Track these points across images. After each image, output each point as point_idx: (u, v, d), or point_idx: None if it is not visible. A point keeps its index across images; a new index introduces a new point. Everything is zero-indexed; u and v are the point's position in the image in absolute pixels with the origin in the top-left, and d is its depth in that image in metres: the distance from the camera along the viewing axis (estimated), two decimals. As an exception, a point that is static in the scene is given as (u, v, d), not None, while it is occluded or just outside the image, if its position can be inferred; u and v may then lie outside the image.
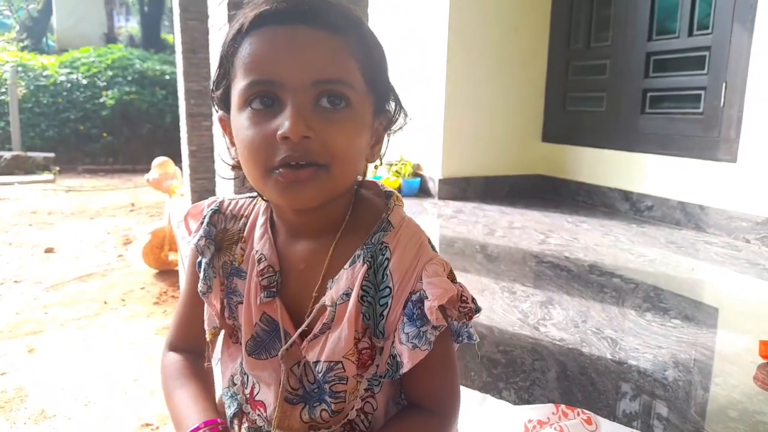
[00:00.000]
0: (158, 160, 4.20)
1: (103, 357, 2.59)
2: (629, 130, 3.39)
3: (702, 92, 2.95)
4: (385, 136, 0.74)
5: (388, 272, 0.68)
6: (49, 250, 4.35)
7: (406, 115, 0.74)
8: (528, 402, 1.21)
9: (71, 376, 2.39)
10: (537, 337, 1.58)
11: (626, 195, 3.37)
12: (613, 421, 1.10)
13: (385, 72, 0.71)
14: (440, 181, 3.79)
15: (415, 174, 4.02)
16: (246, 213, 0.79)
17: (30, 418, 2.07)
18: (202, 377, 0.81)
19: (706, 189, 2.90)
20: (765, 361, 1.41)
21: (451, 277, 0.71)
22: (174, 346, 0.85)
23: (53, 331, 2.85)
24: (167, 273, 3.78)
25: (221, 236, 0.78)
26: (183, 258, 2.74)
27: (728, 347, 1.56)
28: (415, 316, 0.67)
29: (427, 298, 0.66)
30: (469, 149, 3.86)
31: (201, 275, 0.77)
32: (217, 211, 0.80)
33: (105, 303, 3.27)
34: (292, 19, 0.63)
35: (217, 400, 0.83)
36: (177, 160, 4.21)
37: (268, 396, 0.74)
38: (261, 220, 0.77)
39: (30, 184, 7.46)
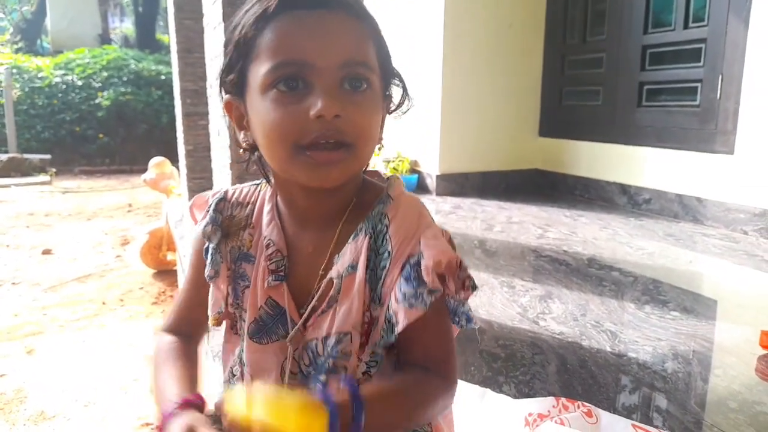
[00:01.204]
0: (155, 160, 4.19)
1: (103, 357, 2.58)
2: (626, 124, 3.39)
3: (698, 85, 2.95)
4: (385, 117, 0.77)
5: (387, 237, 0.70)
6: (46, 252, 4.34)
7: (410, 99, 0.78)
8: (528, 395, 1.21)
9: (70, 377, 2.38)
10: (536, 330, 1.58)
11: (624, 188, 3.37)
12: (614, 413, 1.10)
13: (390, 57, 0.74)
14: (438, 177, 3.78)
15: (413, 170, 4.02)
16: (252, 200, 0.81)
17: (29, 419, 2.07)
18: (190, 358, 0.81)
19: (703, 181, 2.90)
20: (765, 351, 1.41)
21: (451, 245, 0.72)
22: (170, 328, 0.85)
23: (52, 333, 2.85)
24: (165, 273, 3.77)
25: (228, 222, 0.80)
26: (182, 258, 2.74)
27: (727, 338, 1.56)
28: (412, 277, 0.67)
29: (420, 260, 0.67)
30: (466, 145, 3.86)
31: (208, 260, 0.78)
32: (223, 199, 0.81)
33: (103, 303, 3.27)
34: (318, 4, 0.65)
35: (216, 401, 0.83)
36: (174, 160, 4.20)
37: (266, 381, 0.75)
38: (267, 206, 0.78)
39: (26, 186, 7.45)
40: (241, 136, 0.74)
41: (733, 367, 1.37)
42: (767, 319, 1.72)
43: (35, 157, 8.49)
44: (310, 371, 0.73)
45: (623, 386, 1.29)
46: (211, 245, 0.78)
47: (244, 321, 0.77)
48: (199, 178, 3.36)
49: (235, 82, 0.71)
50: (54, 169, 8.38)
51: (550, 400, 1.06)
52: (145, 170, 4.33)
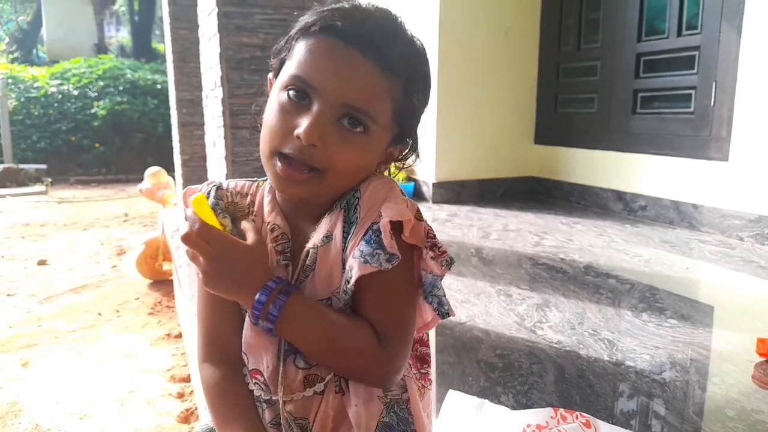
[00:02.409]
0: (151, 170, 4.18)
1: (98, 369, 2.56)
2: (621, 131, 3.41)
3: (692, 92, 2.96)
4: (393, 161, 0.82)
5: (357, 208, 0.74)
6: (42, 263, 4.32)
7: (418, 156, 0.83)
8: (526, 406, 1.21)
9: (66, 389, 2.37)
10: (534, 340, 1.57)
11: (619, 195, 3.38)
12: (612, 423, 1.10)
13: (417, 118, 0.79)
14: (434, 185, 3.79)
15: (409, 178, 4.02)
16: (251, 192, 0.84)
17: (25, 433, 2.05)
18: (249, 407, 0.79)
19: (698, 188, 2.91)
20: (763, 359, 1.41)
21: (418, 217, 0.74)
22: (207, 356, 0.83)
23: (47, 344, 2.83)
24: (162, 283, 3.76)
25: (232, 208, 0.82)
26: (178, 268, 2.73)
27: (725, 346, 1.56)
28: (372, 241, 0.70)
29: (380, 229, 0.70)
30: (462, 153, 3.86)
31: None
32: (220, 188, 0.84)
33: (99, 314, 3.25)
34: (355, 42, 0.69)
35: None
36: (170, 169, 4.20)
37: (263, 360, 0.76)
38: (268, 197, 0.82)
39: (22, 196, 7.42)
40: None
41: (731, 375, 1.37)
42: (764, 326, 1.72)
43: (31, 167, 8.47)
44: None
45: (621, 396, 1.29)
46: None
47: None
48: (195, 187, 3.36)
49: (276, 67, 0.78)
50: (50, 179, 8.36)
51: (548, 411, 1.06)
52: (141, 180, 4.32)
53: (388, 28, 0.73)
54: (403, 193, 0.78)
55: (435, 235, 0.76)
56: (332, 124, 0.69)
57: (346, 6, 0.73)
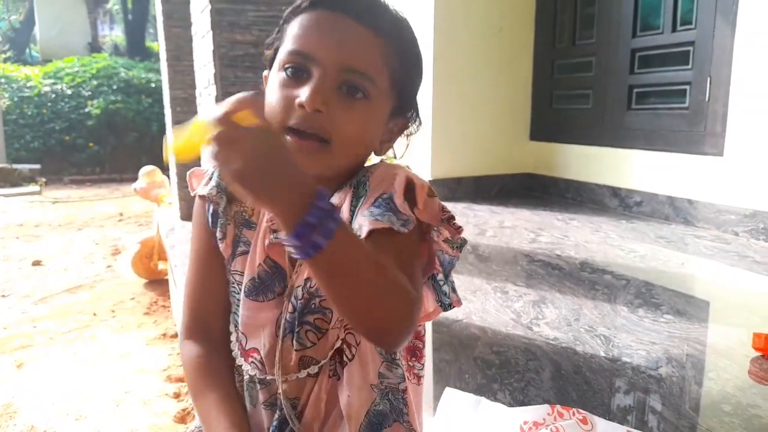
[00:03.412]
0: (145, 169, 4.16)
1: (94, 370, 2.55)
2: (616, 127, 3.41)
3: (687, 87, 2.96)
4: (400, 137, 0.81)
5: (367, 184, 0.74)
6: (36, 263, 4.30)
7: (420, 123, 0.82)
8: (523, 403, 1.21)
9: (61, 391, 2.35)
10: (530, 336, 1.57)
11: (615, 191, 3.38)
12: (609, 419, 1.10)
13: (415, 84, 0.78)
14: (430, 182, 3.78)
15: (386, 161, 4.01)
16: None
17: (20, 434, 2.04)
18: (225, 379, 0.81)
19: (693, 183, 2.92)
20: (758, 353, 1.41)
21: (430, 194, 0.73)
22: (190, 333, 0.84)
23: (42, 345, 2.81)
24: (157, 282, 3.74)
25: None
26: (173, 268, 2.72)
27: (721, 341, 1.56)
28: (380, 204, 0.69)
29: (392, 196, 0.69)
30: (457, 150, 3.86)
31: (217, 223, 0.80)
32: None
33: (94, 315, 3.24)
34: (346, 9, 0.70)
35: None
36: (164, 168, 4.18)
37: (260, 339, 0.77)
38: None
39: (16, 196, 7.38)
40: None
41: (727, 370, 1.37)
42: (759, 320, 1.73)
43: (25, 167, 8.43)
44: (295, 317, 0.74)
45: (618, 392, 1.29)
46: (219, 209, 0.81)
47: (238, 285, 0.79)
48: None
49: (271, 57, 0.78)
50: (44, 179, 8.31)
51: (545, 408, 1.06)
52: (135, 179, 4.30)
53: None
54: (410, 171, 0.77)
55: (449, 211, 0.73)
56: (334, 91, 0.69)
57: None
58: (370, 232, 0.66)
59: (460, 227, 0.74)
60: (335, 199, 0.75)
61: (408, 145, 0.84)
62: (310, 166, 0.69)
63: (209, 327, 0.83)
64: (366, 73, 0.70)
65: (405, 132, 0.83)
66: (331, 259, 0.57)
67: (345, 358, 0.75)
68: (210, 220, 0.82)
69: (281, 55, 0.73)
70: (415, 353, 0.83)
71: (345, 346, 0.75)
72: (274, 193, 0.55)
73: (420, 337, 0.84)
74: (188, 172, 0.87)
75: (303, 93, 0.68)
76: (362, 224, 0.67)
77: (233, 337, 0.82)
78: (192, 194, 0.85)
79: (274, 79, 0.73)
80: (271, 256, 0.77)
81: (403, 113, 0.79)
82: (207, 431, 0.77)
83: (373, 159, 0.84)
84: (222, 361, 0.81)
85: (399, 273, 0.64)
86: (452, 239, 0.73)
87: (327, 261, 0.57)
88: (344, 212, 0.73)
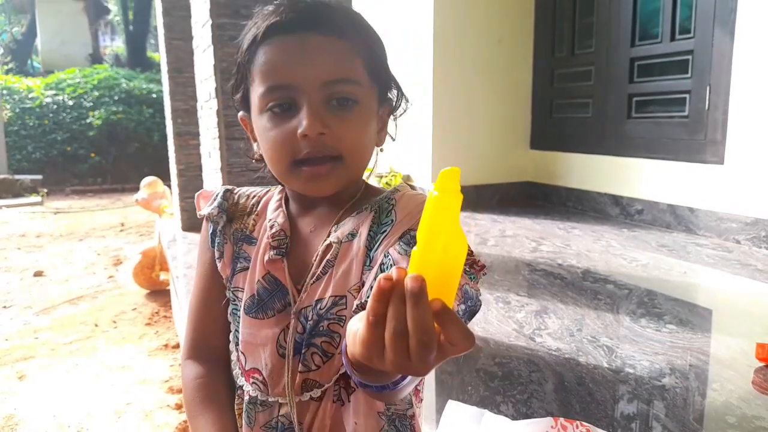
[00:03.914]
0: (147, 180, 4.17)
1: (95, 381, 2.55)
2: (616, 135, 3.41)
3: (687, 96, 2.97)
4: (390, 120, 0.81)
5: (393, 211, 0.73)
6: (38, 274, 4.30)
7: (407, 101, 0.82)
8: (527, 415, 1.20)
9: (63, 402, 2.35)
10: (533, 347, 1.57)
11: (616, 199, 3.38)
12: None
13: (386, 64, 0.77)
14: (431, 191, 3.78)
15: (411, 188, 4.02)
16: (260, 194, 0.85)
17: (21, 447, 2.04)
18: (222, 401, 0.80)
19: (694, 191, 2.92)
20: (762, 364, 1.40)
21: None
22: (191, 353, 0.84)
23: (44, 357, 2.81)
24: (159, 293, 3.74)
25: (233, 208, 0.83)
26: (175, 278, 2.72)
27: (724, 351, 1.56)
28: (409, 242, 0.67)
29: None
30: (458, 159, 3.86)
31: (215, 243, 0.81)
32: (230, 191, 0.85)
33: (96, 326, 3.23)
34: (301, 27, 0.70)
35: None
36: (166, 178, 4.19)
37: (261, 358, 0.76)
38: (276, 197, 0.83)
39: (18, 207, 7.40)
40: (254, 147, 0.80)
41: (731, 380, 1.36)
42: (763, 330, 1.72)
43: (26, 177, 8.45)
44: (303, 338, 0.74)
45: (621, 403, 1.28)
46: (218, 228, 0.81)
47: (239, 301, 0.79)
48: (191, 197, 3.34)
49: (241, 100, 0.78)
50: (45, 190, 8.33)
51: (548, 421, 1.05)
52: (137, 189, 4.31)
53: (319, 2, 0.72)
54: None
55: (473, 252, 0.73)
56: (326, 110, 0.69)
57: (271, 6, 0.72)
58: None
59: (483, 266, 0.73)
60: (351, 222, 0.75)
61: (396, 127, 0.83)
62: (333, 185, 0.72)
63: (211, 348, 0.83)
64: (348, 78, 0.70)
65: (397, 113, 0.82)
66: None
67: (353, 384, 0.73)
68: (210, 239, 0.82)
69: (258, 96, 0.72)
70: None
71: None
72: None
73: None
74: (197, 194, 0.88)
75: (301, 124, 0.68)
76: (398, 261, 0.66)
77: (233, 356, 0.81)
78: (198, 216, 0.85)
79: (261, 123, 0.72)
80: (272, 271, 0.76)
81: (386, 96, 0.79)
82: None
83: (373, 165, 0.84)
84: (222, 384, 0.81)
85: None
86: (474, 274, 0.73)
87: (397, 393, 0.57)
88: (362, 235, 0.73)
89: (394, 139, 0.82)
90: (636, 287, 2.10)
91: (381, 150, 0.80)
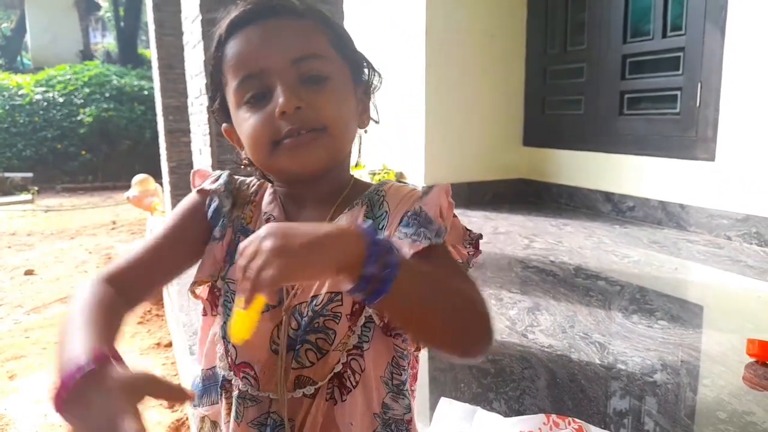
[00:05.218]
0: (138, 178, 4.15)
1: (87, 381, 2.53)
2: (608, 132, 3.42)
3: (678, 92, 2.98)
4: (370, 102, 0.81)
5: (385, 202, 0.74)
6: (29, 272, 4.26)
7: (380, 76, 0.81)
8: (519, 412, 1.21)
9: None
10: (525, 344, 1.57)
11: (608, 196, 3.39)
12: (604, 428, 1.10)
13: (353, 43, 0.78)
14: (423, 188, 3.78)
15: (399, 182, 4.02)
16: (257, 184, 0.84)
17: (12, 447, 2.02)
18: (117, 312, 0.69)
19: (685, 188, 2.93)
20: (753, 359, 1.41)
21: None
22: (109, 278, 0.72)
23: (35, 356, 2.79)
24: (151, 291, 3.72)
25: (236, 192, 0.82)
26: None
27: (715, 347, 1.56)
28: (411, 223, 0.69)
29: (421, 210, 0.70)
30: (451, 156, 3.87)
31: (218, 222, 0.78)
32: (231, 175, 0.84)
33: (87, 325, 3.21)
34: (261, 16, 0.71)
35: (192, 385, 0.82)
36: (158, 176, 4.17)
37: (254, 354, 0.74)
38: (270, 190, 0.82)
39: (8, 205, 7.34)
40: (242, 154, 0.80)
41: (722, 376, 1.37)
42: (753, 326, 1.73)
43: (17, 175, 8.38)
44: (298, 334, 0.72)
45: (613, 400, 1.29)
46: (224, 209, 0.79)
47: (233, 293, 0.76)
48: (183, 194, 3.33)
49: (220, 109, 0.78)
50: (36, 188, 8.27)
51: (540, 418, 1.05)
52: (128, 187, 4.29)
53: None
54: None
55: (472, 232, 0.76)
56: (300, 86, 0.70)
57: (229, 7, 0.74)
58: (415, 255, 0.67)
59: (479, 251, 0.76)
60: (345, 219, 0.75)
61: (374, 104, 0.82)
62: (318, 157, 0.71)
63: (135, 286, 0.73)
64: (316, 53, 0.71)
65: (372, 90, 0.81)
66: (404, 293, 0.56)
67: (349, 384, 0.73)
68: (211, 215, 0.78)
69: (232, 92, 0.73)
70: (415, 377, 0.83)
71: (349, 372, 0.73)
72: (326, 255, 0.54)
73: (417, 360, 0.83)
74: (192, 171, 0.86)
75: (277, 102, 0.68)
76: (401, 246, 0.67)
77: (220, 349, 0.78)
78: (194, 189, 0.82)
79: (241, 117, 0.72)
80: None
81: (360, 76, 0.79)
82: (64, 344, 0.59)
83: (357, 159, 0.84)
84: (118, 306, 0.69)
85: (461, 281, 0.66)
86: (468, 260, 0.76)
87: (394, 301, 0.56)
88: None
89: (377, 122, 0.82)
90: (628, 284, 2.11)
91: (365, 131, 0.81)
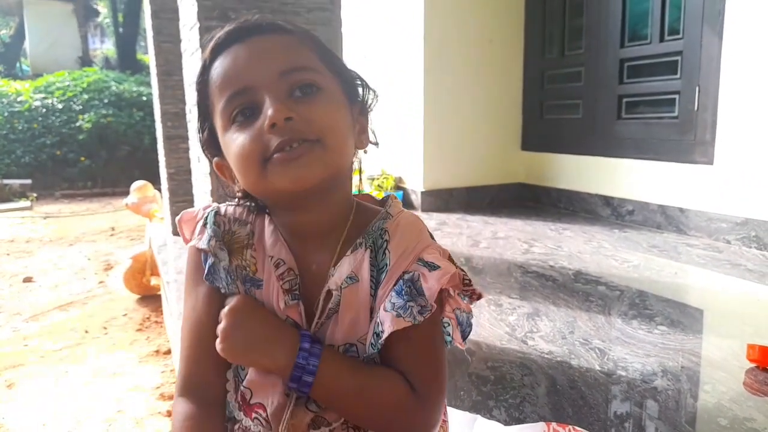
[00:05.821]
0: (137, 184, 4.14)
1: (86, 388, 2.52)
2: (607, 136, 3.42)
3: (676, 96, 2.99)
4: (368, 123, 0.79)
5: (387, 251, 0.72)
6: (27, 280, 4.25)
7: (374, 93, 0.78)
8: (519, 420, 1.20)
9: (52, 410, 2.32)
10: (525, 351, 1.57)
11: (607, 200, 3.39)
12: (605, 436, 1.09)
13: (341, 59, 0.76)
14: (422, 193, 3.78)
15: (397, 187, 4.02)
16: (250, 219, 0.79)
17: (10, 457, 2.01)
18: None
19: (685, 192, 2.93)
20: (753, 365, 1.41)
21: (451, 262, 0.74)
22: (184, 390, 0.77)
23: (33, 364, 2.78)
24: (150, 298, 3.71)
25: (229, 238, 0.77)
26: (166, 284, 2.70)
27: (715, 352, 1.56)
28: (403, 292, 0.69)
29: (418, 279, 0.69)
30: (450, 160, 3.87)
31: (221, 279, 0.75)
32: (218, 214, 0.79)
33: (86, 332, 3.20)
34: (244, 35, 0.70)
35: None
36: (156, 182, 4.16)
37: (268, 397, 0.72)
38: (269, 228, 0.77)
39: (6, 212, 7.33)
40: (235, 187, 0.77)
41: (722, 382, 1.36)
42: (753, 330, 1.73)
43: (15, 182, 8.36)
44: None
45: (613, 406, 1.28)
46: (222, 264, 0.75)
47: None
48: (182, 201, 3.33)
49: (209, 141, 0.76)
50: (35, 194, 8.26)
51: (540, 426, 1.05)
52: (127, 193, 4.28)
53: (252, 14, 0.74)
54: (429, 233, 0.77)
55: (470, 280, 0.75)
56: (290, 98, 0.67)
57: (215, 31, 0.73)
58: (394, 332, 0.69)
59: (480, 296, 0.77)
60: (348, 263, 0.72)
61: (372, 129, 0.80)
62: (312, 171, 0.66)
63: (205, 385, 0.76)
64: (303, 66, 0.69)
65: (368, 106, 0.78)
66: (322, 389, 0.68)
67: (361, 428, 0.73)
68: (206, 276, 0.75)
69: (219, 112, 0.70)
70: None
71: None
72: (258, 357, 0.70)
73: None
74: (177, 219, 0.81)
75: (266, 115, 0.65)
76: (383, 321, 0.69)
77: (231, 387, 0.76)
78: (187, 245, 0.78)
79: (229, 139, 0.69)
80: (291, 315, 0.73)
81: (354, 96, 0.76)
82: None
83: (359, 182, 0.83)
84: (213, 427, 0.75)
85: (396, 386, 0.69)
86: (464, 307, 0.77)
87: (320, 391, 0.68)
88: (364, 280, 0.71)
89: (377, 145, 0.80)
90: (627, 288, 2.10)
91: (365, 152, 0.79)
